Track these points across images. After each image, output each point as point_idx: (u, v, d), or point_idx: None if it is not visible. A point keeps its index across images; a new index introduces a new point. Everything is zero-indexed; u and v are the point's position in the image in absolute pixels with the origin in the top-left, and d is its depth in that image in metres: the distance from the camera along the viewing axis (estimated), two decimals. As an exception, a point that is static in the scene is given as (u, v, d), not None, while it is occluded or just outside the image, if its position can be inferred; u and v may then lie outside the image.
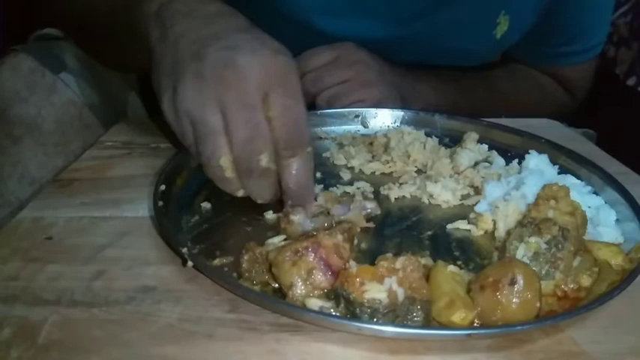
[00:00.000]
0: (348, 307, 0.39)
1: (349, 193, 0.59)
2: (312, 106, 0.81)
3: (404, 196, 0.59)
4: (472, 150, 0.65)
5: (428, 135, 0.70)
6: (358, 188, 0.60)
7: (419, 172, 0.65)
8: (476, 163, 0.65)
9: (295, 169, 0.49)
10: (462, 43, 0.85)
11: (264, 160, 0.47)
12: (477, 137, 0.68)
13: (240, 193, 0.51)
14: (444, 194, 0.58)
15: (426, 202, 0.58)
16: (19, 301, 0.41)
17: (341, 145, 0.70)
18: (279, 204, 0.53)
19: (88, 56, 0.77)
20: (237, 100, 0.46)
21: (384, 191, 0.60)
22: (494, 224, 0.53)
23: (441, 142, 0.70)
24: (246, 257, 0.44)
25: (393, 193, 0.59)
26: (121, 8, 0.62)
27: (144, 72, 0.77)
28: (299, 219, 0.49)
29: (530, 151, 0.63)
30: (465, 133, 0.69)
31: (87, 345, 0.38)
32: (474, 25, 0.83)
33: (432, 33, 0.82)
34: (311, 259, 0.41)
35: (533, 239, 0.46)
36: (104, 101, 0.75)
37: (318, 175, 0.62)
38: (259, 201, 0.51)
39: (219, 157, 0.47)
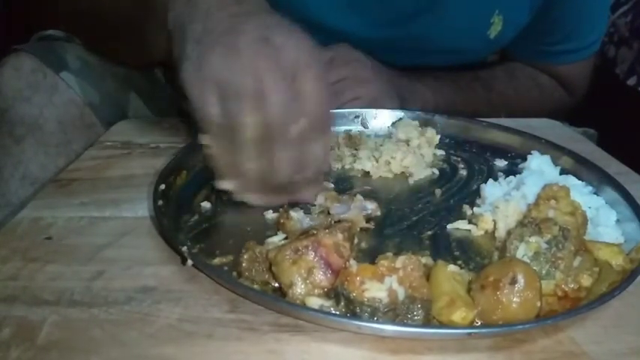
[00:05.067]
0: (349, 305, 0.39)
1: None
2: None
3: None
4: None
5: None
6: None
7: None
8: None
9: (317, 150, 0.49)
10: (457, 43, 0.86)
11: (295, 130, 0.47)
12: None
13: (235, 179, 0.49)
14: None
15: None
16: (19, 301, 0.41)
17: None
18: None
19: (89, 56, 0.77)
20: (274, 71, 0.46)
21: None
22: (495, 224, 0.52)
23: (441, 143, 0.70)
24: (245, 256, 0.44)
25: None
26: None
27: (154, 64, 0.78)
28: (298, 215, 0.49)
29: (532, 151, 0.63)
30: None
31: (86, 345, 0.38)
32: (467, 26, 0.84)
33: (426, 33, 0.83)
34: (311, 258, 0.41)
35: (533, 239, 0.46)
36: (105, 101, 0.76)
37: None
38: (277, 177, 0.49)
39: (247, 114, 0.46)
